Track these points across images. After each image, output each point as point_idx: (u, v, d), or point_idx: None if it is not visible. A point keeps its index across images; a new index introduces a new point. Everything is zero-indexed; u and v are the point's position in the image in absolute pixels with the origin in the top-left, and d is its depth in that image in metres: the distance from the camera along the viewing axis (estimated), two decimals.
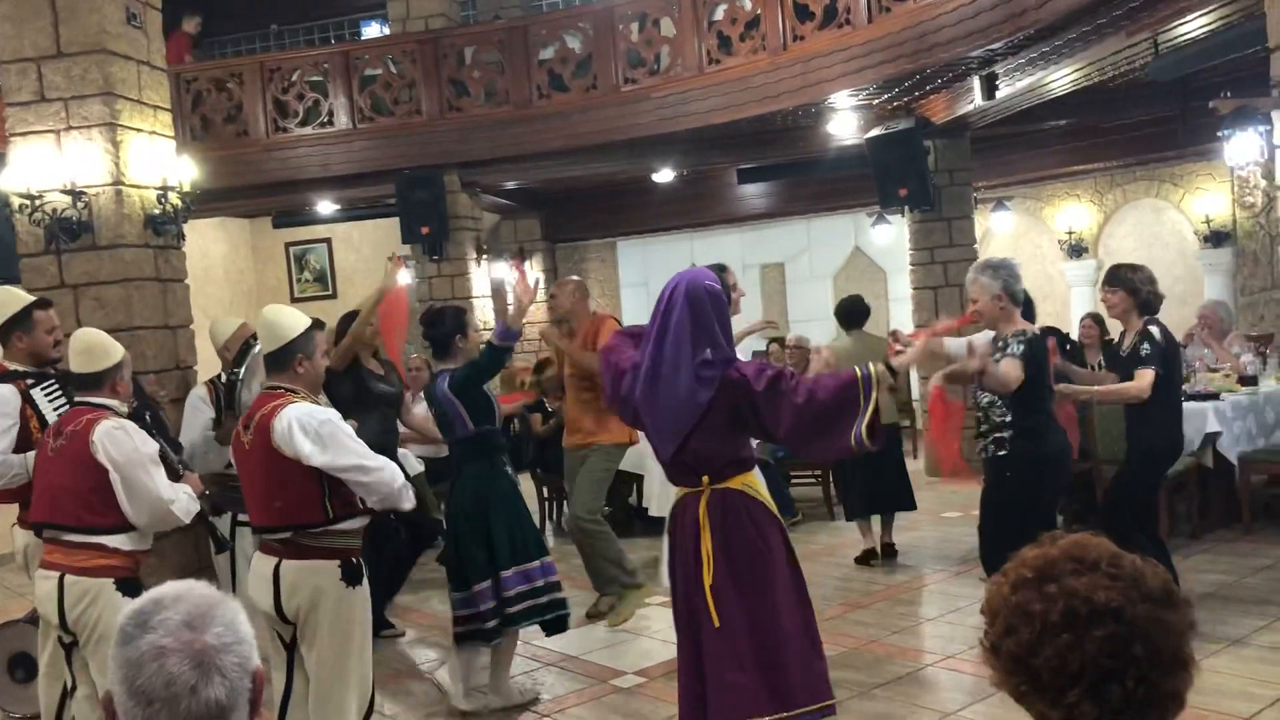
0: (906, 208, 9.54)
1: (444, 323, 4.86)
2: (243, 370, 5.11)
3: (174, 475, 3.96)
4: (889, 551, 6.88)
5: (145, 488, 3.64)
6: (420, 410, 7.52)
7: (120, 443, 3.63)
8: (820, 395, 3.11)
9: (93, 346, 3.79)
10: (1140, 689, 1.39)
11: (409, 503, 3.66)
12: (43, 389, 4.31)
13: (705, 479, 3.27)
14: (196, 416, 5.18)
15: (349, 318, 5.74)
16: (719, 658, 3.19)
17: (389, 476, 3.53)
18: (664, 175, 11.36)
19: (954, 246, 9.65)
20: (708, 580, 3.19)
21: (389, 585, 6.22)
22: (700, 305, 3.26)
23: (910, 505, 6.88)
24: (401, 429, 6.26)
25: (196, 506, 3.87)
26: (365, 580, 3.62)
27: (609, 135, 9.52)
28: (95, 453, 3.60)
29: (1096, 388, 5.16)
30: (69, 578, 3.64)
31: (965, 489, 8.51)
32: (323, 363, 3.73)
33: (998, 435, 4.51)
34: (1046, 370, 4.51)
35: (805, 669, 3.22)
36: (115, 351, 3.81)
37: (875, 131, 9.09)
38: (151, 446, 3.76)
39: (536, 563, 4.72)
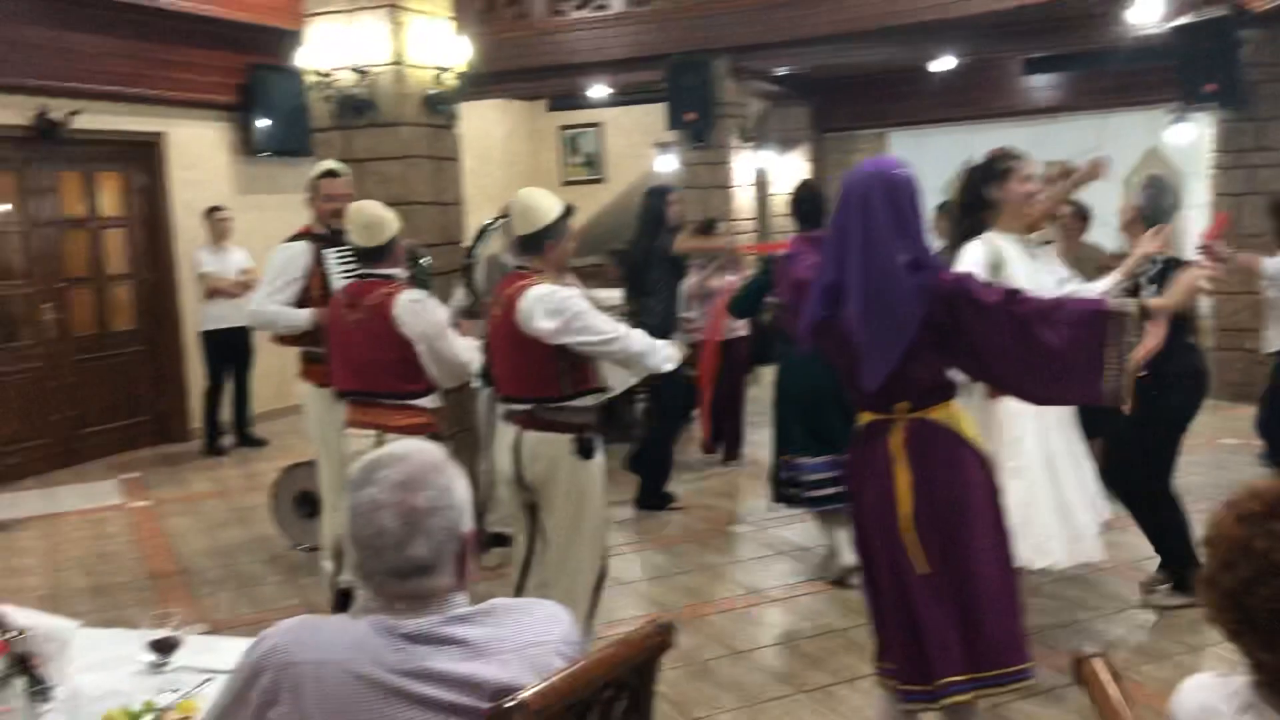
0: (1214, 105, 8.67)
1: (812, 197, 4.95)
2: (476, 252, 5.38)
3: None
4: None
5: (447, 354, 3.98)
6: None
7: (420, 315, 3.95)
8: (1061, 310, 2.67)
9: (372, 221, 4.03)
10: None
11: (667, 364, 3.82)
12: (336, 253, 4.68)
13: (904, 406, 2.83)
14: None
15: (658, 191, 6.33)
16: (929, 606, 2.81)
17: (630, 343, 3.69)
18: (942, 64, 10.81)
19: (1262, 150, 8.70)
20: (907, 520, 2.81)
21: (663, 467, 6.49)
22: (899, 199, 2.77)
23: None
24: None
25: (480, 355, 4.18)
26: (599, 454, 3.80)
27: (886, 19, 9.10)
28: (399, 326, 3.93)
29: None
30: (388, 436, 3.91)
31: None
32: (570, 246, 3.86)
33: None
34: None
35: (1001, 626, 2.83)
36: (393, 222, 4.06)
37: (1182, 20, 8.26)
38: (444, 314, 4.10)
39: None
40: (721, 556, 5.58)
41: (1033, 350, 2.65)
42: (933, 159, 12.51)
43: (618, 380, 4.22)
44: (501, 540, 5.46)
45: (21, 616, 2.20)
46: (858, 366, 2.80)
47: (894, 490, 2.83)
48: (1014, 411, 3.82)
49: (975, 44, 9.88)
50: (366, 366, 4.05)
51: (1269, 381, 6.16)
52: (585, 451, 3.73)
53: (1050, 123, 12.62)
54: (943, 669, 2.79)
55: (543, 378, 3.68)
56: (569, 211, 3.83)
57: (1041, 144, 12.86)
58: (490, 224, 5.25)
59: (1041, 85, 11.96)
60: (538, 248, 3.75)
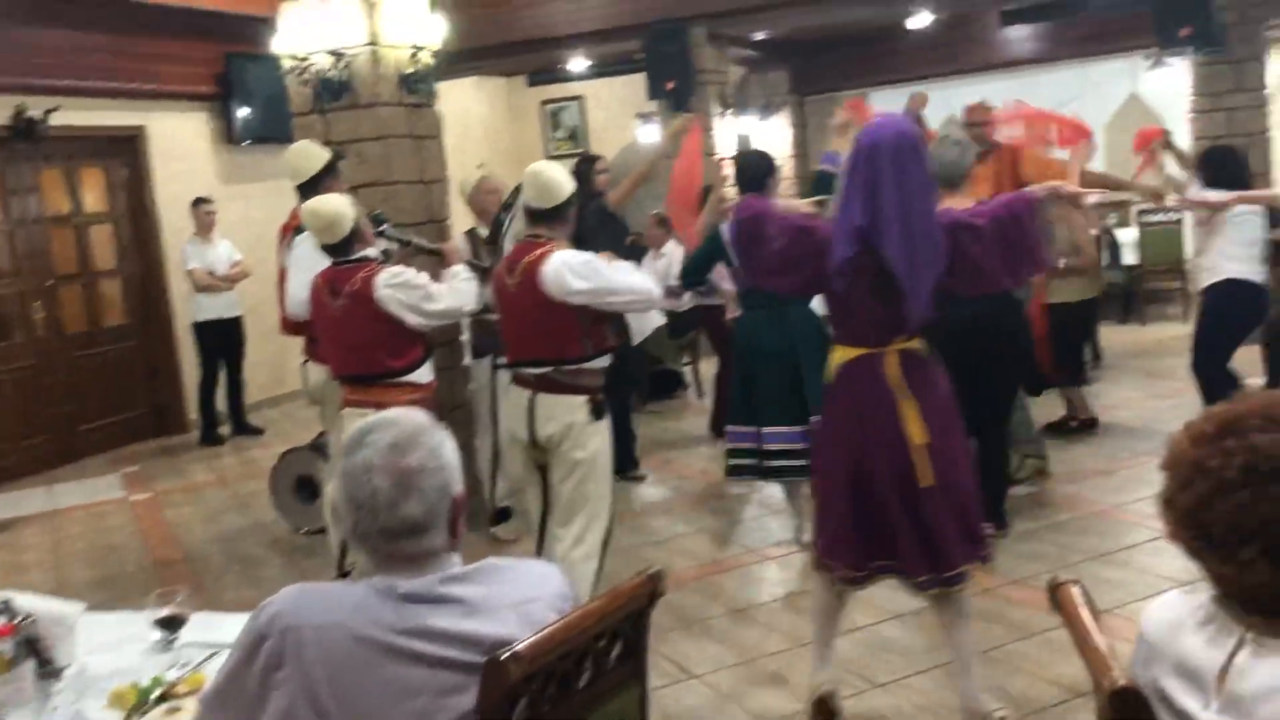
0: (1190, 49, 8.68)
1: (758, 162, 5.05)
2: (511, 213, 5.41)
3: (434, 255, 4.67)
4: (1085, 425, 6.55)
5: (435, 312, 4.17)
6: (660, 266, 7.71)
7: (402, 288, 4.09)
8: (1003, 215, 3.16)
9: (332, 220, 4.13)
10: None
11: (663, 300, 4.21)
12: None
13: (899, 339, 3.20)
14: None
15: (588, 159, 6.32)
16: (937, 513, 3.18)
17: (647, 287, 3.99)
18: (920, 20, 10.77)
19: (1241, 91, 8.75)
20: (919, 440, 3.15)
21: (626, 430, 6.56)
22: (922, 155, 3.18)
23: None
24: None
25: (474, 285, 4.37)
26: (608, 416, 3.96)
27: None
28: (385, 305, 4.07)
29: None
30: None
31: None
32: (575, 215, 4.04)
33: None
34: None
35: (977, 523, 3.31)
36: (349, 211, 4.17)
37: None
38: (421, 276, 4.20)
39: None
40: (718, 520, 5.65)
41: (1010, 245, 3.14)
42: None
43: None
44: (508, 514, 5.53)
45: (28, 601, 2.26)
46: (892, 300, 3.11)
47: (899, 414, 3.16)
48: None
49: None
50: (359, 349, 4.19)
51: (1197, 322, 6.07)
52: (598, 413, 3.91)
53: (1030, 74, 12.61)
54: (957, 560, 3.21)
55: (566, 339, 3.85)
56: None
57: (1022, 95, 12.77)
58: (512, 200, 5.30)
59: (1020, 37, 11.93)
60: (551, 218, 3.93)
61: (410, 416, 1.79)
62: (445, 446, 1.77)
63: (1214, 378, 5.73)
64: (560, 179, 3.94)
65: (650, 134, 11.72)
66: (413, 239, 4.82)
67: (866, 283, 3.13)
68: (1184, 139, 9.22)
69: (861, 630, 4.04)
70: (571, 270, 3.76)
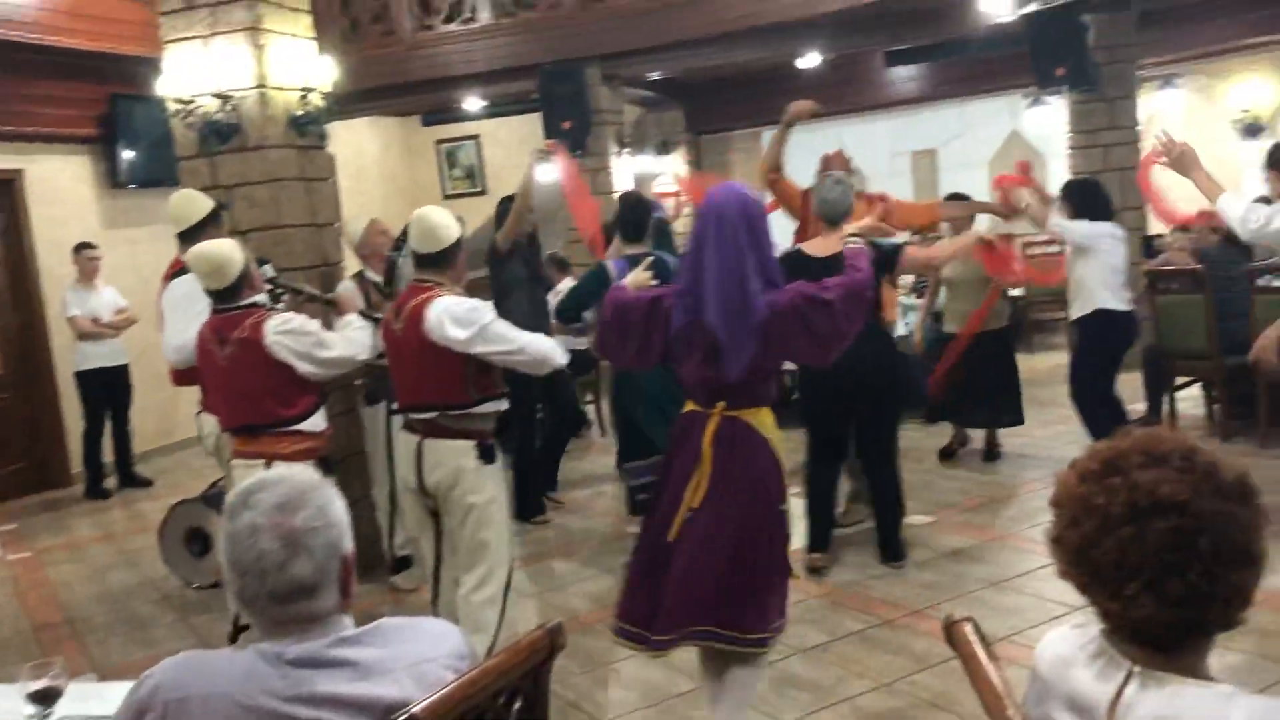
0: (1065, 88, 9.04)
1: (635, 206, 5.04)
2: (403, 252, 5.35)
3: (328, 305, 4.61)
4: (993, 453, 6.68)
5: (327, 360, 4.04)
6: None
7: (292, 334, 3.97)
8: (840, 300, 3.14)
9: (219, 265, 4.00)
10: (1203, 583, 1.36)
11: (562, 359, 3.93)
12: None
13: (721, 404, 3.17)
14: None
15: (508, 200, 6.24)
16: (686, 571, 3.15)
17: (537, 346, 3.83)
18: (810, 61, 11.03)
19: (1116, 129, 9.12)
20: (691, 502, 3.15)
21: (547, 475, 6.54)
22: (753, 224, 3.14)
23: (1016, 420, 6.57)
24: None
25: (368, 332, 4.27)
26: (499, 459, 3.91)
27: (752, 20, 9.25)
28: (275, 353, 3.95)
29: None
30: (277, 464, 3.92)
31: None
32: (464, 259, 3.97)
33: None
34: None
35: (766, 598, 3.20)
36: (237, 256, 4.03)
37: (1031, 7, 8.58)
38: (313, 323, 4.11)
39: None
40: (623, 559, 5.61)
41: (854, 321, 3.18)
42: (806, 153, 12.77)
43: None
44: (408, 562, 5.42)
45: None
46: (716, 360, 3.11)
47: (693, 472, 3.16)
48: None
49: (838, 40, 10.10)
50: (248, 398, 4.05)
51: (1072, 352, 6.28)
52: (487, 457, 3.85)
53: (915, 112, 13.01)
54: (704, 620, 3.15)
55: (449, 385, 3.79)
56: (461, 225, 3.97)
57: (908, 133, 13.29)
58: (403, 240, 5.23)
59: (905, 77, 12.31)
60: (437, 262, 3.87)
61: (296, 475, 1.75)
62: (333, 504, 1.73)
63: (1095, 406, 5.93)
64: (444, 223, 3.88)
65: (549, 172, 11.72)
66: (304, 287, 4.72)
67: (700, 345, 3.15)
68: (1063, 174, 9.60)
69: (768, 667, 4.04)
70: (453, 318, 3.71)
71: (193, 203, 4.85)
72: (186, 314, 4.59)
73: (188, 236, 4.71)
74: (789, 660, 4.11)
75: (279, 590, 1.64)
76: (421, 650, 1.73)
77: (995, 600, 4.48)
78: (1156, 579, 1.37)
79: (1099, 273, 5.87)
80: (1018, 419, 6.55)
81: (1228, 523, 1.37)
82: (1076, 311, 6.01)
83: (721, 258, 3.08)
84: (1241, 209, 4.35)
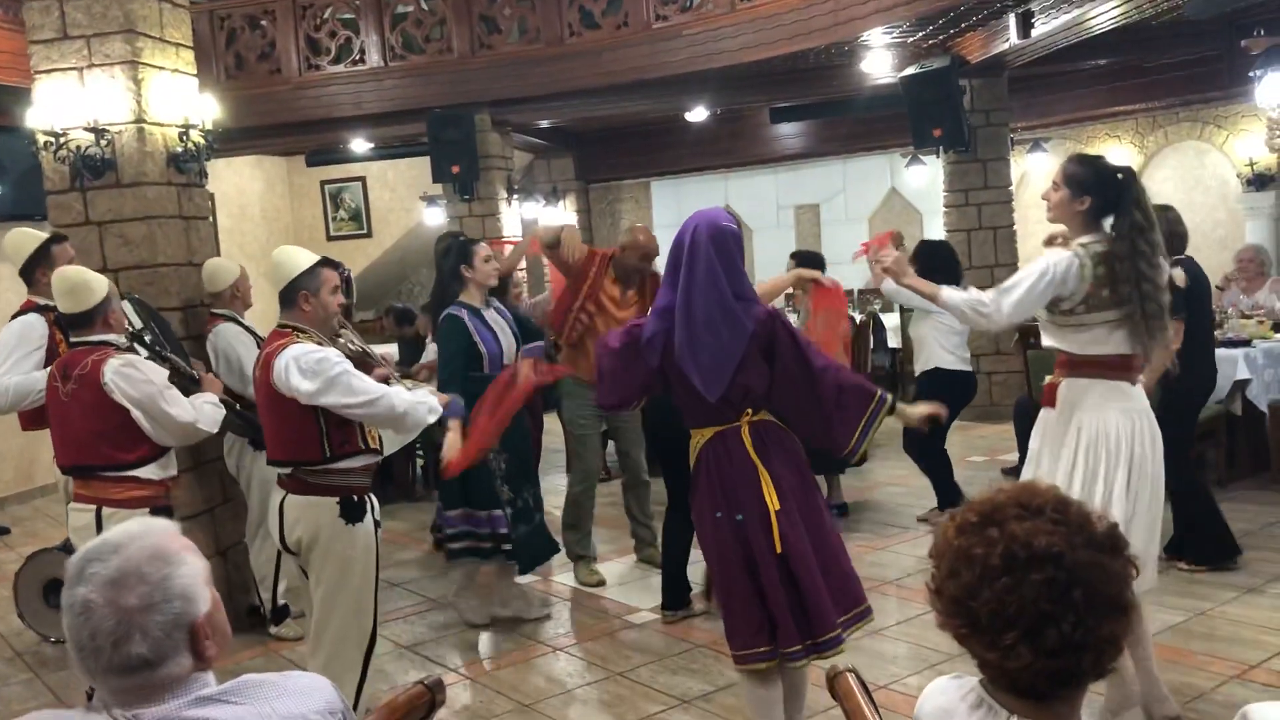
0: (941, 149, 9.39)
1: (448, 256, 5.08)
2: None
3: (191, 383, 4.22)
4: (840, 510, 6.49)
5: (166, 416, 3.80)
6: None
7: (132, 379, 3.75)
8: (845, 375, 3.30)
9: (76, 286, 3.83)
10: (1077, 633, 1.39)
11: (431, 416, 3.72)
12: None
13: (748, 412, 3.28)
14: (243, 345, 5.16)
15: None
16: (804, 573, 3.25)
17: (389, 405, 3.55)
18: (697, 114, 11.24)
19: (989, 189, 9.50)
20: (775, 505, 3.22)
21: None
22: (726, 245, 3.26)
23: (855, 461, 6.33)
24: None
25: (220, 412, 4.07)
26: (368, 517, 3.66)
27: (640, 73, 9.41)
28: (111, 394, 3.73)
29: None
30: (106, 510, 3.78)
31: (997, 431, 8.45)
32: (332, 299, 3.71)
33: None
34: None
35: (852, 575, 3.41)
36: (99, 286, 3.86)
37: (910, 70, 8.92)
38: (161, 374, 3.89)
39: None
40: (504, 609, 5.52)
41: (813, 390, 3.23)
42: (692, 205, 12.93)
43: (390, 442, 4.08)
44: (288, 612, 5.22)
45: None
46: (693, 385, 3.21)
47: (759, 484, 3.23)
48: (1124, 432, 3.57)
49: (725, 95, 10.33)
50: (80, 439, 3.83)
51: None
52: (350, 515, 3.60)
53: (799, 167, 13.35)
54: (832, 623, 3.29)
55: (302, 440, 3.55)
56: (324, 262, 3.75)
57: (793, 188, 13.61)
58: None
59: (789, 133, 12.63)
60: (291, 302, 3.66)
61: (140, 539, 1.60)
62: (177, 575, 1.58)
63: (926, 457, 6.18)
64: (290, 259, 3.68)
65: (435, 216, 11.66)
66: (170, 356, 4.33)
67: (677, 375, 3.27)
68: (939, 231, 9.93)
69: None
70: (300, 368, 3.45)
71: (22, 241, 4.74)
72: (12, 355, 4.47)
73: (26, 275, 4.67)
74: (670, 713, 4.08)
75: (116, 666, 1.54)
76: (290, 706, 1.63)
77: (877, 648, 4.53)
78: (1033, 629, 1.40)
79: (934, 334, 6.13)
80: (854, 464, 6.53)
81: (1100, 573, 1.42)
82: (919, 368, 6.29)
83: (693, 276, 3.21)
84: (961, 297, 3.83)
